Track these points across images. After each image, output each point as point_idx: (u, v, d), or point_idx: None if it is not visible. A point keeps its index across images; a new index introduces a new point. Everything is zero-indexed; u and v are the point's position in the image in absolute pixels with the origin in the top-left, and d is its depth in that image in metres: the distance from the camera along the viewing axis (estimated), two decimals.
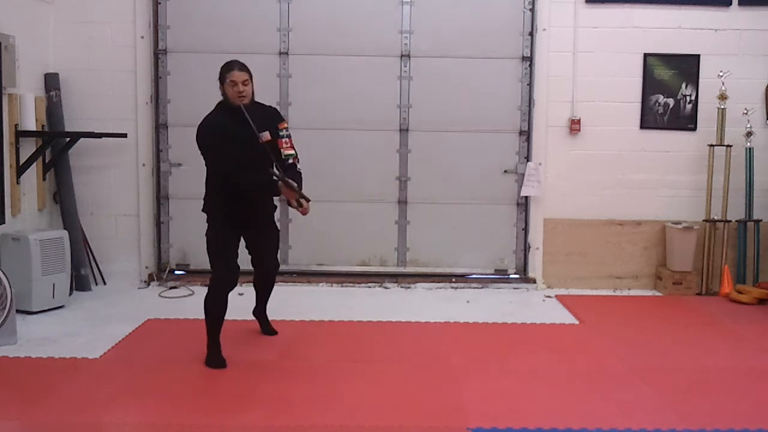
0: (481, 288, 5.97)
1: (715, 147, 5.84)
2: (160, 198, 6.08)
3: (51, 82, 5.63)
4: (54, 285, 5.12)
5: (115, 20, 5.78)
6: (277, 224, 4.45)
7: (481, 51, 5.98)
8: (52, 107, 5.63)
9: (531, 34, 5.97)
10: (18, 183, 5.23)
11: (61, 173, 5.71)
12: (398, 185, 6.11)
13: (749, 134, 5.82)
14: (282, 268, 4.64)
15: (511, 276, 6.17)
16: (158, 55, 5.96)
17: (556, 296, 5.77)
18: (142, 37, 5.80)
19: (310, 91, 6.00)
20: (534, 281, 6.03)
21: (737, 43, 5.88)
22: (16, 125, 5.21)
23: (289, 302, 5.27)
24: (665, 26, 5.87)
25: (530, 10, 5.96)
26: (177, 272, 6.11)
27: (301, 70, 5.99)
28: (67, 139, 5.61)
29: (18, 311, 4.61)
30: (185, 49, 5.96)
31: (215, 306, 4.05)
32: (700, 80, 5.90)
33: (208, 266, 4.18)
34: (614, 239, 6.02)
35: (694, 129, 5.95)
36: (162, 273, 6.03)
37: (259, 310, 4.62)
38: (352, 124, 6.04)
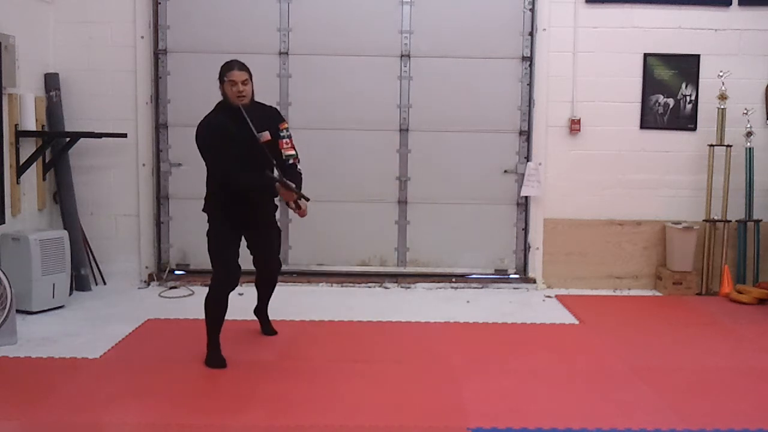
0: (481, 288, 5.97)
1: (715, 147, 5.84)
2: (160, 198, 6.08)
3: (51, 82, 5.63)
4: (54, 285, 5.12)
5: (115, 20, 5.78)
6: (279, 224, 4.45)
7: (481, 51, 5.98)
8: (52, 107, 5.63)
9: (531, 34, 5.98)
10: (18, 183, 5.23)
11: (61, 173, 5.71)
12: (398, 185, 6.11)
13: (749, 134, 5.82)
14: (282, 268, 4.63)
15: (511, 276, 6.17)
16: (158, 55, 5.96)
17: (556, 296, 5.77)
18: (142, 37, 5.80)
19: (310, 91, 6.00)
20: (534, 281, 6.03)
21: (737, 43, 5.88)
22: (16, 125, 5.21)
23: (289, 302, 5.27)
24: (665, 26, 5.87)
25: (530, 10, 5.96)
26: (177, 272, 6.11)
27: (301, 70, 5.99)
28: (67, 139, 5.61)
29: (18, 311, 4.61)
30: (185, 49, 5.96)
31: (215, 306, 4.05)
32: (700, 80, 5.90)
33: (208, 266, 4.18)
34: (614, 239, 6.02)
35: (694, 129, 5.95)
36: (162, 273, 6.03)
37: (260, 310, 4.62)
38: (352, 124, 6.04)
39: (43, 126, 5.53)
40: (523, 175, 6.00)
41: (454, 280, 6.05)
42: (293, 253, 6.11)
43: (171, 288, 5.83)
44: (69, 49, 5.75)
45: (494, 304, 5.52)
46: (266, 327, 4.62)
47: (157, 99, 5.99)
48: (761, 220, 5.93)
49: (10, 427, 3.31)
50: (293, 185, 3.99)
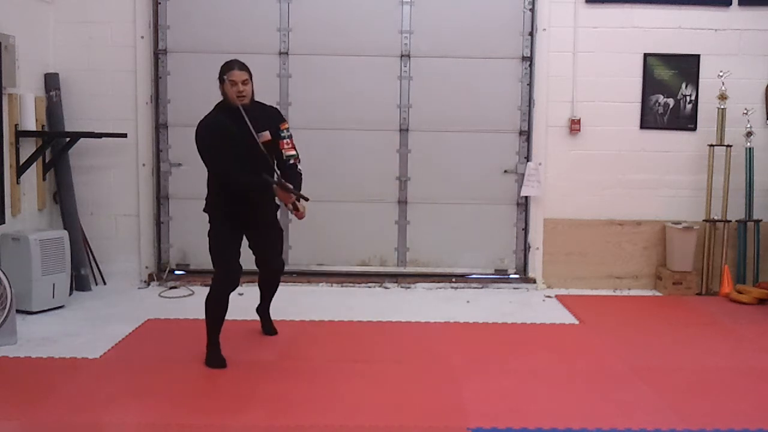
0: (481, 288, 5.97)
1: (715, 147, 5.84)
2: (160, 198, 6.08)
3: (51, 82, 5.63)
4: (54, 285, 5.12)
5: (115, 20, 5.78)
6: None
7: (481, 51, 5.98)
8: (52, 107, 5.63)
9: (531, 34, 5.98)
10: (18, 183, 5.23)
11: (61, 173, 5.71)
12: (398, 185, 6.11)
13: (749, 134, 5.82)
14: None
15: (511, 276, 6.17)
16: (158, 55, 5.96)
17: (556, 296, 5.77)
18: (142, 37, 5.80)
19: (310, 91, 6.00)
20: (534, 281, 6.03)
21: (737, 43, 5.88)
22: (16, 125, 5.21)
23: (289, 302, 5.26)
24: (665, 26, 5.87)
25: (530, 10, 5.96)
26: (177, 272, 6.11)
27: (301, 70, 5.99)
28: (67, 139, 5.61)
29: (18, 311, 4.61)
30: (185, 49, 5.97)
31: (216, 306, 4.05)
32: (700, 80, 5.90)
33: (208, 266, 4.19)
34: (614, 239, 6.02)
35: (694, 129, 5.95)
36: (162, 273, 6.03)
37: (262, 309, 4.62)
38: (352, 124, 6.04)
39: (43, 126, 5.53)
40: (523, 175, 6.00)
41: (454, 280, 6.05)
42: (293, 253, 6.11)
43: (171, 288, 5.83)
44: (69, 49, 5.76)
45: (494, 304, 5.52)
46: (267, 326, 4.62)
47: (157, 99, 5.99)
48: (761, 220, 5.93)
49: (10, 427, 3.31)
50: (291, 187, 3.98)
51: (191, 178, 5.68)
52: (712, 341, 4.66)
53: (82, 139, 5.58)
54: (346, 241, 6.12)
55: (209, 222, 4.14)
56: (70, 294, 5.40)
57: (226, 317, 4.10)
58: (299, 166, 4.20)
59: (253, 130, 3.92)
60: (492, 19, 5.97)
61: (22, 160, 5.26)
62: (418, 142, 6.07)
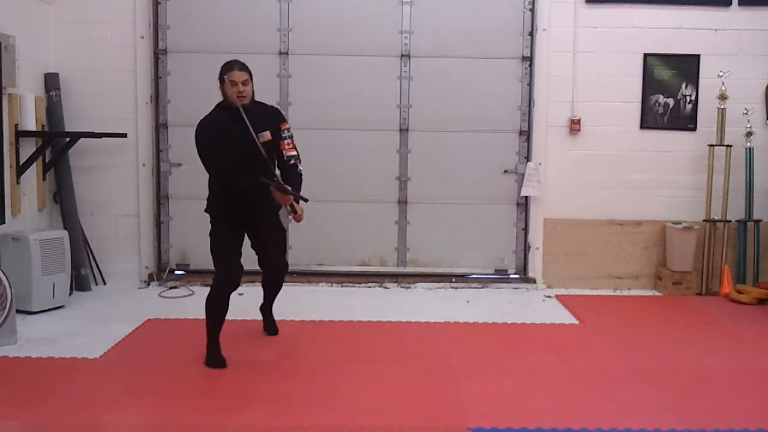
0: (481, 288, 5.97)
1: (715, 147, 5.84)
2: (160, 198, 6.08)
3: (51, 82, 5.63)
4: (54, 285, 5.12)
5: (115, 20, 5.78)
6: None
7: (481, 51, 5.98)
8: (52, 107, 5.63)
9: (531, 34, 5.98)
10: (18, 183, 5.23)
11: (61, 173, 5.71)
12: (398, 185, 6.11)
13: (749, 134, 5.82)
14: None
15: (511, 276, 6.17)
16: (158, 55, 5.96)
17: (556, 296, 5.77)
18: (142, 37, 5.80)
19: (310, 91, 6.00)
20: (534, 281, 6.03)
21: (737, 43, 5.88)
22: (16, 125, 5.21)
23: (289, 302, 5.26)
24: (665, 26, 5.87)
25: (530, 10, 5.96)
26: (177, 272, 6.11)
27: (301, 70, 5.99)
28: (67, 139, 5.61)
29: (18, 311, 4.61)
30: (185, 49, 5.96)
31: (216, 306, 4.05)
32: (700, 80, 5.90)
33: (208, 266, 4.19)
34: (614, 239, 6.02)
35: (694, 129, 5.95)
36: (162, 273, 6.03)
37: (265, 308, 4.62)
38: (352, 124, 6.04)
39: (43, 126, 5.53)
40: (523, 175, 6.00)
41: (454, 280, 6.05)
42: (293, 253, 6.11)
43: (171, 288, 5.83)
44: (69, 49, 5.76)
45: (494, 304, 5.52)
46: (269, 325, 4.62)
47: (157, 99, 5.99)
48: (761, 220, 5.93)
49: (10, 427, 3.31)
50: (289, 188, 3.97)
51: (191, 178, 5.68)
52: (712, 341, 4.66)
53: (82, 139, 5.58)
54: (346, 241, 6.12)
55: (210, 222, 4.14)
56: (70, 294, 5.40)
57: (227, 317, 4.10)
58: (300, 167, 4.19)
59: (252, 131, 3.92)
60: (492, 19, 5.97)
61: (22, 160, 5.26)
62: (418, 142, 6.07)
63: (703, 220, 5.93)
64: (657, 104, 5.94)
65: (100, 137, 5.57)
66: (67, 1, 5.74)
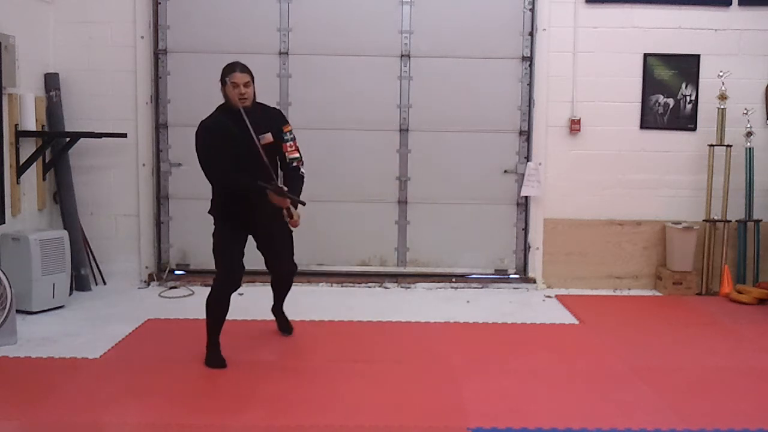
0: (481, 288, 5.97)
1: (715, 147, 5.84)
2: (160, 198, 6.08)
3: (51, 82, 5.63)
4: (54, 285, 5.12)
5: (115, 20, 5.78)
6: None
7: (481, 51, 5.98)
8: (52, 107, 5.63)
9: (531, 34, 5.98)
10: (18, 183, 5.23)
11: (61, 173, 5.71)
12: (398, 185, 6.11)
13: (749, 134, 5.82)
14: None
15: (511, 276, 6.17)
16: (158, 55, 5.96)
17: (556, 296, 5.77)
18: (142, 37, 5.80)
19: (310, 91, 6.00)
20: (534, 281, 6.03)
21: (737, 43, 5.88)
22: (16, 125, 5.21)
23: (289, 302, 5.23)
24: (665, 26, 5.87)
25: (530, 10, 5.96)
26: (177, 272, 6.11)
27: (301, 70, 5.99)
28: (67, 139, 5.61)
29: (18, 311, 4.61)
30: (185, 49, 5.97)
31: (217, 306, 4.05)
32: (700, 80, 5.90)
33: (208, 266, 4.20)
34: (614, 239, 6.02)
35: (694, 129, 5.95)
36: (162, 273, 6.03)
37: (276, 308, 4.63)
38: (352, 124, 6.04)
39: (43, 126, 5.53)
40: (523, 175, 6.00)
41: (454, 280, 6.05)
42: None
43: (171, 288, 5.83)
44: (69, 49, 5.76)
45: (494, 304, 5.52)
46: (283, 325, 4.62)
47: (157, 99, 5.99)
48: (761, 220, 5.93)
49: (10, 427, 3.31)
50: (286, 191, 3.96)
51: (191, 178, 5.68)
52: (712, 341, 4.66)
53: (82, 139, 5.58)
54: (346, 241, 6.12)
55: (214, 223, 4.14)
56: (70, 294, 5.40)
57: (227, 317, 4.10)
58: (302, 169, 4.17)
59: (253, 133, 3.91)
60: (492, 19, 5.97)
61: (22, 160, 5.26)
62: (418, 142, 6.07)
63: (703, 220, 5.93)
64: (657, 104, 5.94)
65: (100, 137, 5.57)
66: (67, 1, 5.74)
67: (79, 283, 5.68)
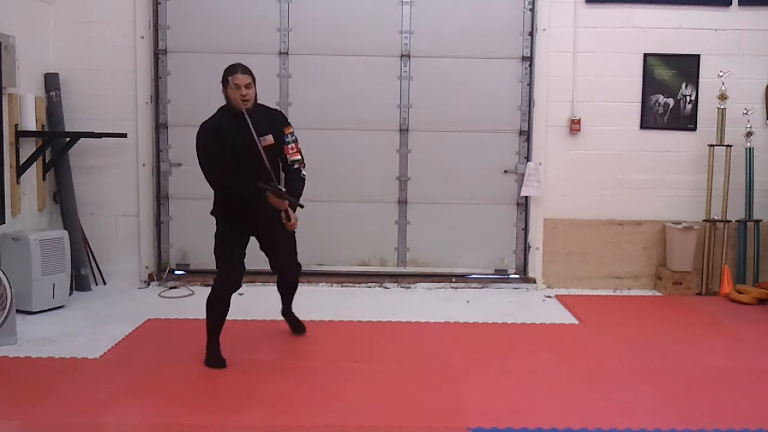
0: (481, 288, 5.97)
1: (715, 147, 5.84)
2: (160, 198, 6.08)
3: (51, 82, 5.63)
4: (54, 285, 5.12)
5: (115, 20, 5.78)
6: None
7: (481, 51, 5.98)
8: (52, 107, 5.63)
9: (531, 34, 5.98)
10: (18, 183, 5.23)
11: (61, 173, 5.71)
12: (398, 185, 6.11)
13: (749, 134, 5.82)
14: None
15: (511, 276, 6.17)
16: (158, 55, 5.96)
17: (556, 296, 5.77)
18: (142, 37, 5.80)
19: (310, 91, 6.00)
20: (534, 281, 6.03)
21: (737, 43, 5.88)
22: (16, 125, 5.21)
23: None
24: (665, 26, 5.87)
25: (530, 10, 5.96)
26: (177, 272, 6.11)
27: (301, 70, 5.99)
28: (67, 139, 5.61)
29: (18, 311, 4.61)
30: (185, 49, 5.97)
31: (217, 306, 4.05)
32: (700, 80, 5.90)
33: (207, 266, 4.20)
34: (614, 239, 6.02)
35: (694, 129, 5.95)
36: (162, 273, 6.03)
37: (285, 310, 4.63)
38: (352, 124, 6.04)
39: (43, 126, 5.53)
40: (523, 175, 6.00)
41: (454, 280, 6.05)
42: None
43: (171, 288, 5.83)
44: (69, 49, 5.76)
45: (494, 304, 5.52)
46: (294, 325, 4.63)
47: (157, 99, 5.99)
48: (761, 220, 5.93)
49: (10, 427, 3.31)
50: (284, 192, 3.95)
51: (191, 178, 5.67)
52: (712, 341, 4.66)
53: (82, 139, 5.58)
54: (346, 241, 6.12)
55: (216, 224, 4.14)
56: (70, 294, 5.40)
57: (227, 317, 4.09)
58: (303, 171, 4.16)
59: (255, 135, 3.90)
60: (492, 19, 5.97)
61: (22, 160, 5.26)
62: (418, 142, 6.07)
63: (703, 220, 5.93)
64: (657, 104, 5.94)
65: (100, 137, 5.57)
66: (67, 1, 5.74)
67: (79, 283, 5.68)
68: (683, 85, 5.93)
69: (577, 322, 5.08)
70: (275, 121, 4.15)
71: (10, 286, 4.31)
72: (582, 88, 5.91)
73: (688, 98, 5.94)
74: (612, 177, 5.99)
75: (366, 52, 5.99)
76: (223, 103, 4.06)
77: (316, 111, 6.00)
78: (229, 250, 4.06)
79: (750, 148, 5.83)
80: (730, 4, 5.85)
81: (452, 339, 4.63)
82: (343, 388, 3.74)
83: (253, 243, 4.22)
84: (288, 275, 4.47)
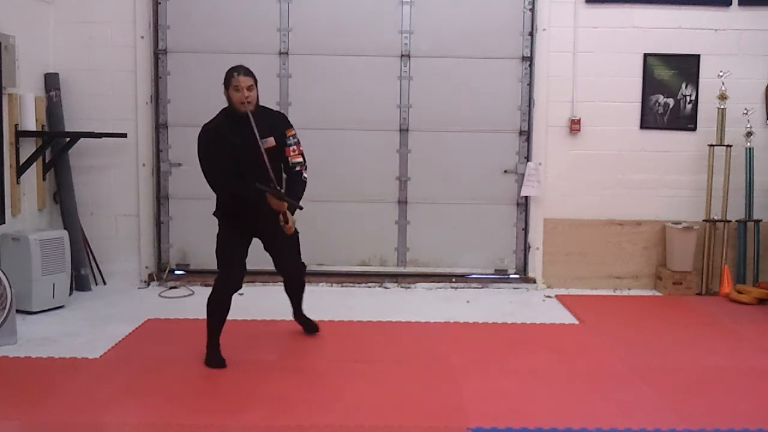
0: (481, 288, 5.97)
1: (715, 147, 5.84)
2: (160, 198, 6.08)
3: (51, 82, 5.63)
4: (54, 285, 5.12)
5: (115, 20, 5.78)
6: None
7: (481, 51, 5.98)
8: (52, 107, 5.63)
9: (531, 34, 5.98)
10: (18, 183, 5.23)
11: (61, 173, 5.71)
12: (398, 185, 6.11)
13: (749, 134, 5.82)
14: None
15: (511, 276, 6.17)
16: (158, 55, 5.96)
17: (556, 296, 5.77)
18: (142, 37, 5.80)
19: (310, 91, 6.00)
20: (534, 281, 6.03)
21: (737, 43, 5.88)
22: (16, 125, 5.21)
23: (289, 302, 5.26)
24: (665, 26, 5.87)
25: (530, 10, 5.96)
26: (177, 272, 6.11)
27: (301, 70, 5.99)
28: (67, 139, 5.61)
29: (18, 311, 4.61)
30: (185, 49, 5.96)
31: (217, 306, 4.05)
32: (700, 80, 5.90)
33: (207, 266, 4.20)
34: (614, 239, 6.02)
35: (694, 129, 5.95)
36: (162, 273, 6.02)
37: (296, 314, 4.63)
38: (352, 124, 6.04)
39: (43, 126, 5.53)
40: (523, 175, 6.00)
41: (454, 280, 6.05)
42: None
43: (171, 288, 5.82)
44: (69, 49, 5.75)
45: (494, 304, 5.52)
46: (307, 326, 4.62)
47: (157, 99, 5.99)
48: (761, 220, 5.93)
49: (10, 427, 3.31)
50: (283, 194, 3.95)
51: (191, 178, 5.67)
52: (712, 341, 4.66)
53: (82, 139, 5.58)
54: (346, 241, 6.12)
55: (218, 225, 4.14)
56: (70, 294, 5.40)
57: (227, 317, 4.09)
58: (305, 174, 4.15)
59: (259, 138, 3.90)
60: (492, 19, 5.97)
61: (22, 160, 5.26)
62: (418, 142, 6.07)
63: (703, 220, 5.93)
64: (657, 104, 5.94)
65: (100, 137, 5.57)
66: (67, 1, 5.74)
67: (79, 283, 5.68)
68: (683, 85, 5.93)
69: (577, 322, 5.08)
70: (277, 123, 4.14)
71: (10, 286, 4.31)
72: (582, 88, 5.91)
73: (688, 98, 5.94)
74: (612, 177, 5.99)
75: (366, 52, 5.99)
76: (223, 103, 4.06)
77: (316, 111, 6.00)
78: (229, 250, 4.06)
79: (750, 148, 5.83)
80: (730, 4, 5.85)
81: (452, 339, 4.63)
82: (343, 388, 3.74)
83: (254, 243, 4.22)
84: (292, 275, 4.47)
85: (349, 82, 6.00)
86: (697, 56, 5.89)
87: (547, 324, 5.02)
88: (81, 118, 5.77)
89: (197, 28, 5.94)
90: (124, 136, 5.67)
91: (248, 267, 4.17)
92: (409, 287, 5.96)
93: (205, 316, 4.07)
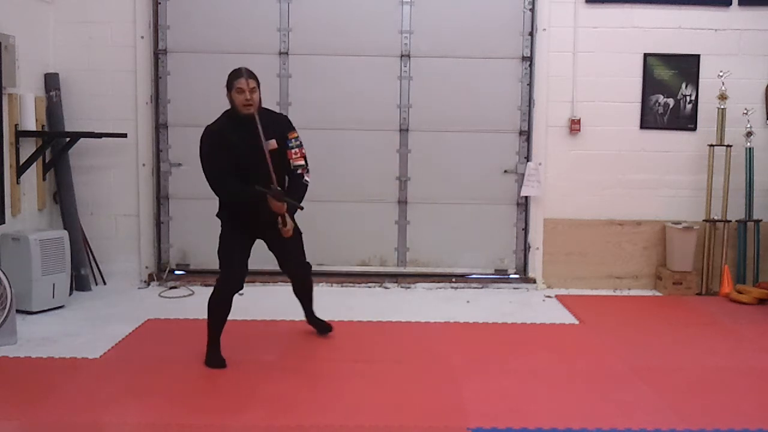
0: (481, 288, 5.97)
1: (715, 147, 5.84)
2: (160, 198, 6.08)
3: (51, 82, 5.63)
4: (54, 285, 5.12)
5: (115, 20, 5.78)
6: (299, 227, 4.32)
7: (481, 51, 5.98)
8: (52, 107, 5.63)
9: (531, 34, 5.98)
10: (18, 183, 5.23)
11: (61, 173, 5.71)
12: (398, 185, 6.11)
13: (749, 134, 5.82)
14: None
15: (511, 276, 6.17)
16: (158, 55, 5.96)
17: (556, 296, 5.77)
18: (142, 37, 5.80)
19: (310, 91, 6.00)
20: (534, 281, 6.03)
21: (737, 43, 5.88)
22: (16, 125, 5.21)
23: (289, 302, 5.24)
24: (665, 26, 5.87)
25: (530, 10, 5.97)
26: (177, 272, 6.10)
27: (301, 70, 5.99)
28: (67, 139, 5.61)
29: (18, 311, 4.61)
30: (185, 49, 5.96)
31: (218, 306, 4.05)
32: (700, 80, 5.90)
33: (207, 266, 4.19)
34: (614, 239, 6.02)
35: (694, 129, 5.95)
36: (162, 273, 6.02)
37: (308, 316, 4.62)
38: (352, 124, 6.04)
39: (43, 126, 5.53)
40: (523, 175, 6.00)
41: (454, 280, 6.05)
42: None
43: (171, 288, 5.82)
44: (69, 49, 5.76)
45: (494, 304, 5.52)
46: (320, 327, 4.61)
47: (157, 99, 5.99)
48: (761, 220, 5.93)
49: (10, 427, 3.31)
50: (284, 195, 3.95)
51: (191, 178, 5.67)
52: (712, 341, 4.66)
53: (82, 139, 5.58)
54: (346, 241, 6.12)
55: (221, 226, 4.14)
56: (70, 294, 5.40)
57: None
58: (306, 177, 4.15)
59: (263, 140, 3.89)
60: (492, 19, 5.97)
61: (22, 160, 5.26)
62: (418, 142, 6.07)
63: (703, 220, 5.93)
64: (657, 104, 5.94)
65: (100, 137, 5.57)
66: (67, 1, 5.74)
67: (79, 283, 5.68)
68: (683, 85, 5.93)
69: (577, 322, 5.08)
70: (279, 125, 4.14)
71: (10, 286, 4.31)
72: (582, 88, 5.91)
73: (688, 98, 5.94)
74: (612, 177, 5.99)
75: (366, 52, 5.99)
76: (224, 103, 4.06)
77: (316, 111, 6.00)
78: (231, 251, 4.07)
79: (750, 148, 5.83)
80: (730, 4, 5.85)
81: (452, 339, 4.63)
82: (343, 388, 3.74)
83: (259, 243, 4.21)
84: (297, 276, 4.47)
85: (349, 82, 6.00)
86: (697, 56, 5.89)
87: (547, 324, 5.02)
88: (81, 118, 5.77)
89: (197, 28, 5.94)
90: (124, 136, 5.67)
91: (249, 267, 4.16)
92: (409, 287, 5.96)
93: (206, 316, 4.07)
